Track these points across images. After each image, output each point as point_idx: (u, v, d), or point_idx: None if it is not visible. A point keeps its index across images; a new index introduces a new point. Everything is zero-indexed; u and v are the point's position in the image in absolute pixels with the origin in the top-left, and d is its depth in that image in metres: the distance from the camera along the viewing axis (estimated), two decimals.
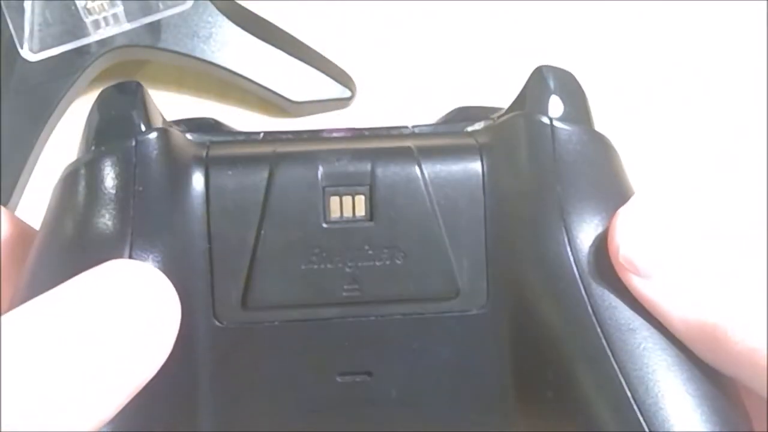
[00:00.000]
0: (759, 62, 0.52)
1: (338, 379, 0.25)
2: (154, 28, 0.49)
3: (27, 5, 0.48)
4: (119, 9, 0.47)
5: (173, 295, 0.22)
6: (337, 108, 0.51)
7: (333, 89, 0.51)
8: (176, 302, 0.22)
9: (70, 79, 0.48)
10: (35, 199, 0.49)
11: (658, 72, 0.52)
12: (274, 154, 0.25)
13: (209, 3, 0.49)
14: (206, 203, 0.24)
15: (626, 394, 0.23)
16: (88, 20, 0.47)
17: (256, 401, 0.25)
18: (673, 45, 0.53)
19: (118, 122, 0.24)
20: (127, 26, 0.48)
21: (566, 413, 0.24)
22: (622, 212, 0.24)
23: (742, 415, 0.24)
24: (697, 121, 0.51)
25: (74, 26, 0.48)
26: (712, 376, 0.23)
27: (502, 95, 0.27)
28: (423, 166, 0.25)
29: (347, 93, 0.51)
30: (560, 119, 0.25)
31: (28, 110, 0.48)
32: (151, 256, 0.23)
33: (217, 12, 0.50)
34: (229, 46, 0.50)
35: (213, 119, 0.28)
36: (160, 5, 0.48)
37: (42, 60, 0.48)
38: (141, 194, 0.23)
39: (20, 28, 0.47)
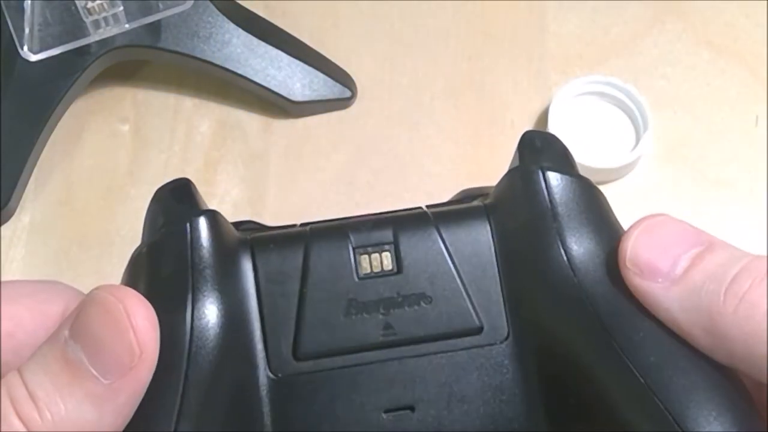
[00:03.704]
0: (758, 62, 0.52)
1: (384, 416, 0.28)
2: (154, 28, 0.49)
3: (27, 5, 0.48)
4: (119, 9, 0.47)
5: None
6: (337, 108, 0.51)
7: (333, 89, 0.51)
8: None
9: (70, 79, 0.48)
10: (35, 199, 0.49)
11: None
12: (309, 230, 0.29)
13: (209, 3, 0.50)
14: (254, 270, 0.28)
15: (646, 389, 0.25)
16: (88, 20, 0.47)
17: None
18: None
19: (172, 209, 0.29)
20: (127, 26, 0.48)
21: (597, 428, 0.27)
22: (630, 229, 0.27)
23: (750, 400, 0.26)
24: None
25: (74, 26, 0.48)
26: (718, 367, 0.26)
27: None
28: (438, 226, 0.29)
29: (347, 93, 0.51)
30: (550, 169, 0.28)
31: (28, 110, 0.48)
32: (209, 318, 0.27)
33: (217, 12, 0.50)
34: (229, 46, 0.50)
35: (252, 221, 0.31)
36: (160, 5, 0.48)
37: (42, 60, 0.48)
38: (197, 265, 0.27)
39: (20, 28, 0.48)
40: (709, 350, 0.26)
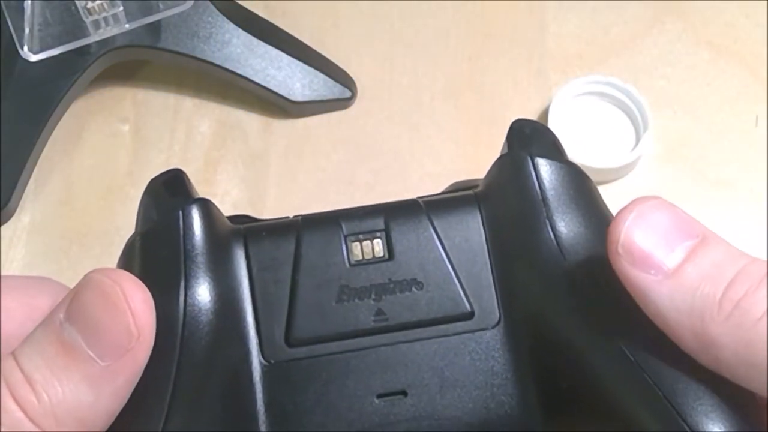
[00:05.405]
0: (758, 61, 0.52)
1: (376, 400, 0.28)
2: (154, 28, 0.49)
3: (27, 5, 0.48)
4: (119, 9, 0.47)
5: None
6: (337, 108, 0.51)
7: (333, 89, 0.51)
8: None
9: (70, 79, 0.48)
10: (35, 199, 0.49)
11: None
12: (301, 219, 0.29)
13: (209, 3, 0.50)
14: (246, 258, 0.28)
15: (636, 367, 0.25)
16: (88, 20, 0.47)
17: (305, 429, 0.28)
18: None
19: (165, 199, 0.29)
20: (127, 26, 0.48)
21: (590, 409, 0.27)
22: (623, 211, 0.26)
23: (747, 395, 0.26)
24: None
25: (74, 26, 0.48)
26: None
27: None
28: (429, 213, 0.29)
29: (347, 93, 0.51)
30: (539, 155, 0.29)
31: (28, 110, 0.48)
32: (201, 303, 0.27)
33: (217, 12, 0.50)
34: (229, 46, 0.50)
35: (247, 215, 0.31)
36: (160, 5, 0.48)
37: (42, 60, 0.48)
38: (189, 252, 0.27)
39: (20, 28, 0.48)
40: (693, 352, 0.25)
